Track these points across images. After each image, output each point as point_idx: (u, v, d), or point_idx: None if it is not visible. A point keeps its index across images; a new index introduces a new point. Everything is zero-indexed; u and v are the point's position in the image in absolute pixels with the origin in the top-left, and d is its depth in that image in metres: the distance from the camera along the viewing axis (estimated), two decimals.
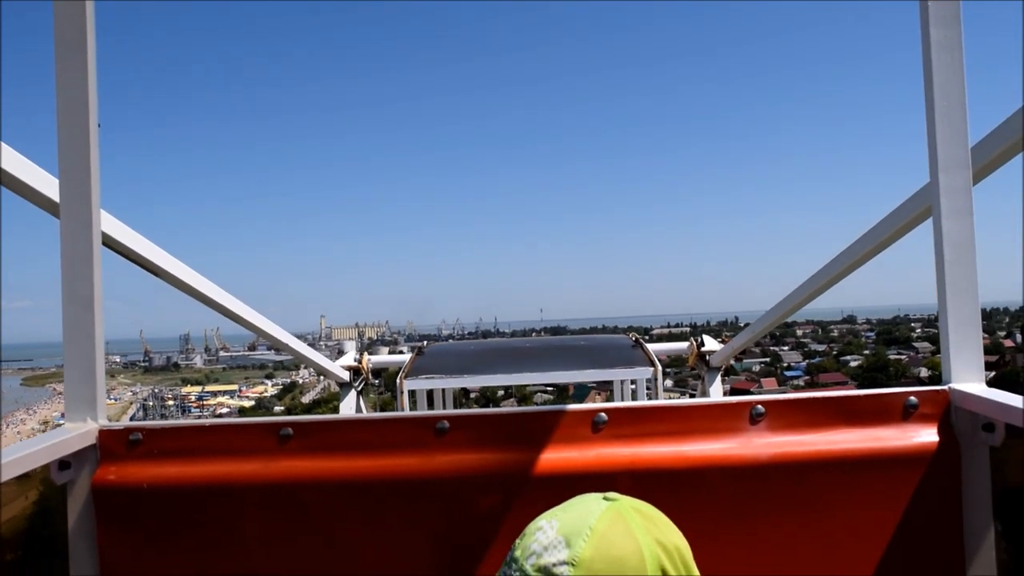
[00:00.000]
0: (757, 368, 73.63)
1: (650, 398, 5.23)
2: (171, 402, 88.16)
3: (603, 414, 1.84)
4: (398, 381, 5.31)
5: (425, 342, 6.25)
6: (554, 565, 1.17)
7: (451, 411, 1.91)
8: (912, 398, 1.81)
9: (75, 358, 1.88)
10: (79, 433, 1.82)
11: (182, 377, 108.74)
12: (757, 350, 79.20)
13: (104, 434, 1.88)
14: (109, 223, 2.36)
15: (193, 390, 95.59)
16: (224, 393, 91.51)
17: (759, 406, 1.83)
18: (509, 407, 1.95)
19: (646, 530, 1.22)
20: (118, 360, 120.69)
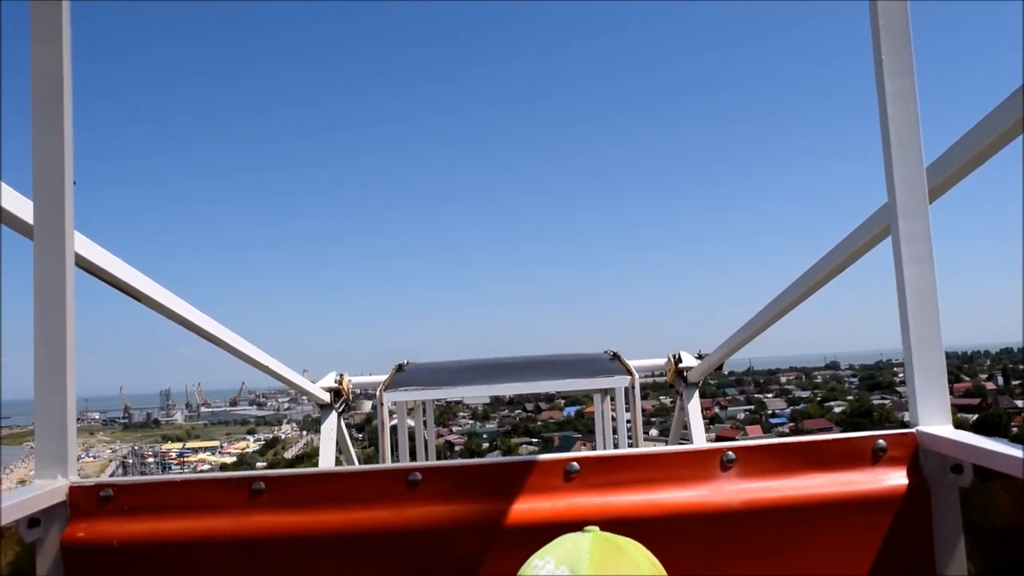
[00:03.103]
0: (742, 416, 73.43)
1: (627, 407, 5.43)
2: (151, 459, 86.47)
3: (575, 463, 1.85)
4: (378, 393, 5.30)
5: (406, 360, 6.25)
6: None
7: (423, 463, 1.92)
8: (881, 441, 1.83)
9: (46, 415, 1.88)
10: (48, 490, 1.81)
11: (162, 434, 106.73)
12: (742, 398, 79.24)
13: (74, 491, 1.86)
14: (85, 246, 2.36)
15: (174, 447, 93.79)
16: (205, 449, 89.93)
17: (730, 452, 1.84)
18: (482, 459, 1.96)
19: (635, 547, 1.36)
20: (97, 417, 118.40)
